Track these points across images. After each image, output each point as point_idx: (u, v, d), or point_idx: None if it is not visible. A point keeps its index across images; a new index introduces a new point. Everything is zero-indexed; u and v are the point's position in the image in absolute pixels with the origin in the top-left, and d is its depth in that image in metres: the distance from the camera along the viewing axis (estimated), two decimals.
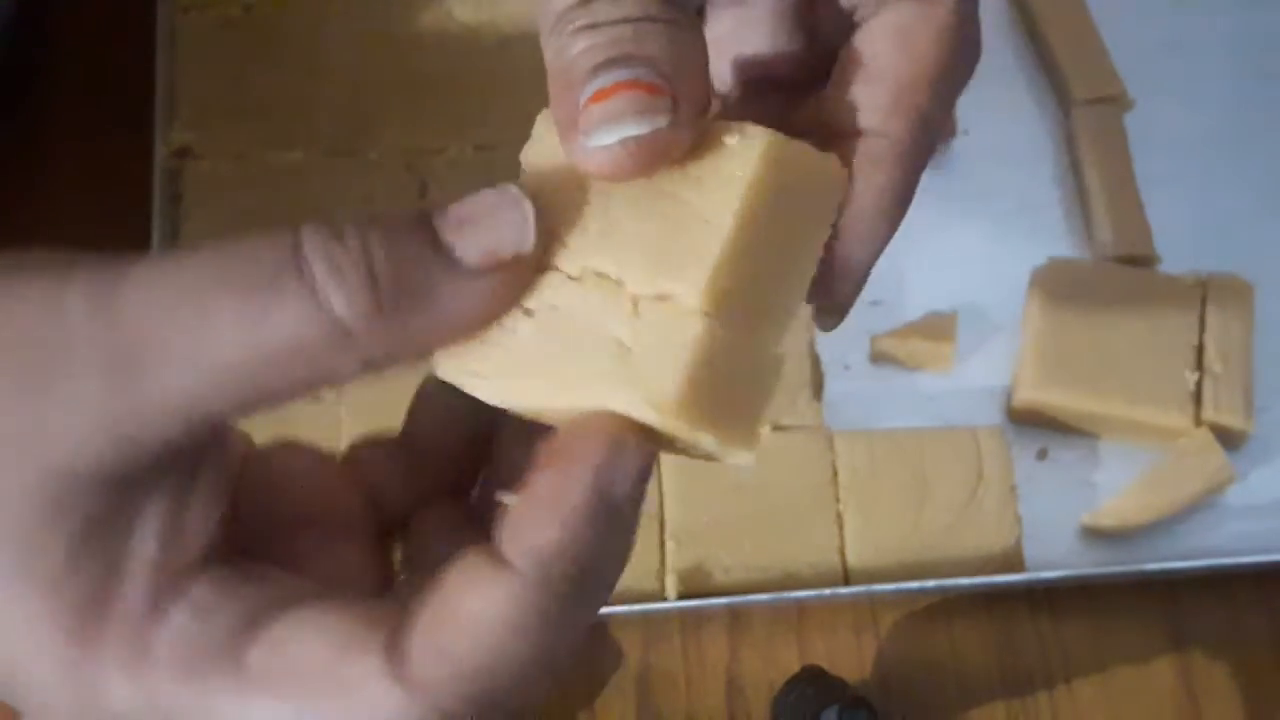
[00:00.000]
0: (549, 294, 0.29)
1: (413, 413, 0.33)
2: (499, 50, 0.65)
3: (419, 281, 0.27)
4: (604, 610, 0.58)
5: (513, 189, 0.28)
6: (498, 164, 0.63)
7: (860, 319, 0.63)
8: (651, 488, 0.58)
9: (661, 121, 0.28)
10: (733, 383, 0.28)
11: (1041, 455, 0.62)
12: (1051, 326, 0.61)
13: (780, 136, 0.29)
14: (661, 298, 0.28)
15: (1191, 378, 0.60)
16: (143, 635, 0.27)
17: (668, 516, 0.58)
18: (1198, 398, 0.60)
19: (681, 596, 0.57)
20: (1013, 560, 0.58)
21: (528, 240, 0.28)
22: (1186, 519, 0.60)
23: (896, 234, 0.68)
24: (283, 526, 0.31)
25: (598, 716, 0.59)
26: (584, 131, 0.28)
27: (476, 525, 0.31)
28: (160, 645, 0.27)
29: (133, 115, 0.66)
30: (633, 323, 0.28)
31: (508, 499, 0.27)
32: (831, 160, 0.30)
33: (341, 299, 0.26)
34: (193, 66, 0.67)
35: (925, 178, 0.72)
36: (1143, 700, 0.58)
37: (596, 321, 0.28)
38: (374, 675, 0.27)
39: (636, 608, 0.57)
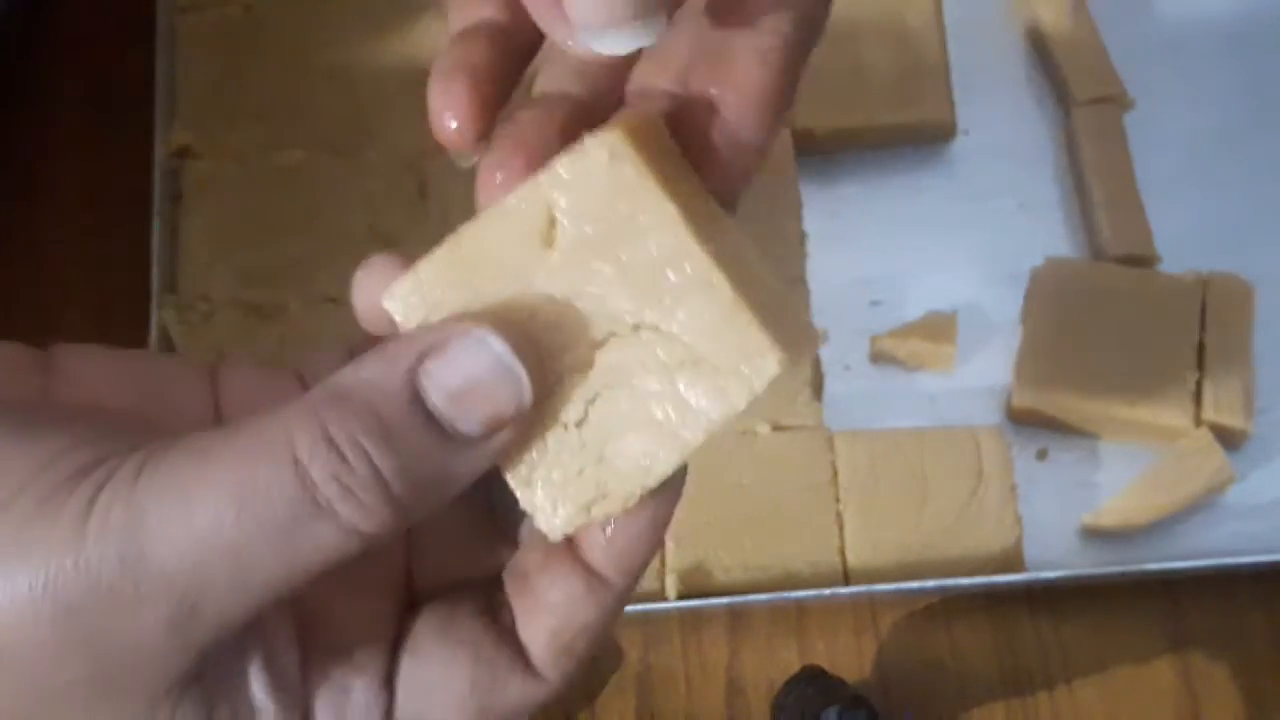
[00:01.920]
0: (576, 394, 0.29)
1: None
2: None
3: (430, 473, 0.28)
4: None
5: (493, 343, 0.28)
6: None
7: (860, 319, 0.63)
8: None
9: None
10: (776, 313, 0.29)
11: (1041, 455, 0.62)
12: (1051, 326, 0.61)
13: (629, 118, 0.29)
14: (669, 314, 0.29)
15: (1191, 378, 0.60)
16: None
17: None
18: (1198, 398, 0.60)
19: (681, 596, 0.57)
20: (1013, 560, 0.58)
21: (525, 397, 0.28)
22: (1186, 519, 0.60)
23: (896, 233, 0.68)
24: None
25: (598, 716, 0.59)
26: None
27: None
28: None
29: (132, 115, 0.66)
30: (673, 348, 0.29)
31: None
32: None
33: (363, 520, 0.27)
34: (193, 66, 0.67)
35: (925, 178, 0.72)
36: (1143, 700, 0.58)
37: (640, 378, 0.29)
38: (516, 682, 0.31)
39: (636, 608, 0.57)
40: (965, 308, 0.63)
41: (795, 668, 0.55)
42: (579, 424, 0.29)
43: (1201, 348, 0.61)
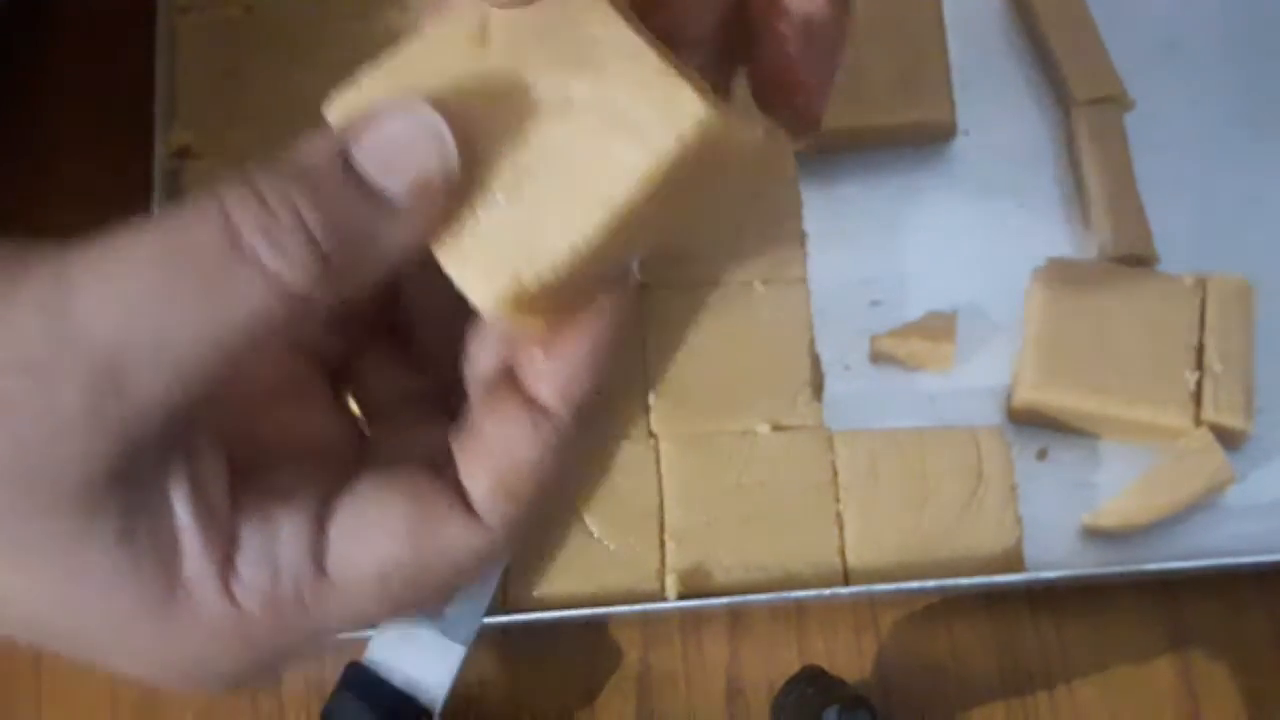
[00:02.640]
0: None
1: None
2: None
3: (358, 231, 0.28)
4: (604, 610, 0.59)
5: (425, 113, 0.29)
6: None
7: (860, 319, 0.63)
8: (652, 488, 0.58)
9: None
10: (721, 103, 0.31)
11: (1041, 455, 0.62)
12: (1051, 326, 0.61)
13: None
14: (599, 85, 0.30)
15: (1191, 378, 0.60)
16: (225, 594, 0.29)
17: (668, 516, 0.58)
18: (1198, 398, 0.60)
19: (681, 596, 0.57)
20: (1013, 560, 0.58)
21: (452, 164, 0.29)
22: (1186, 519, 0.60)
23: (896, 233, 0.68)
24: (251, 415, 0.32)
25: (598, 716, 0.59)
26: None
27: (409, 358, 0.35)
28: (247, 597, 0.29)
29: (132, 115, 0.66)
30: (602, 114, 0.30)
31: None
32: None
33: (289, 270, 0.27)
34: (193, 66, 0.67)
35: (925, 178, 0.72)
36: (1143, 700, 0.58)
37: (570, 147, 0.30)
38: (455, 522, 0.30)
39: (636, 608, 0.57)
40: (965, 308, 0.63)
41: (795, 668, 0.55)
42: (510, 197, 0.30)
43: (1201, 348, 0.61)
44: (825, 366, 0.62)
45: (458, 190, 0.29)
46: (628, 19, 0.30)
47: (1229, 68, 0.68)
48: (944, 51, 0.66)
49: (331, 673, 0.58)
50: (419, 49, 0.31)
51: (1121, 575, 0.59)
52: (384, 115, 0.29)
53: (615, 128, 0.29)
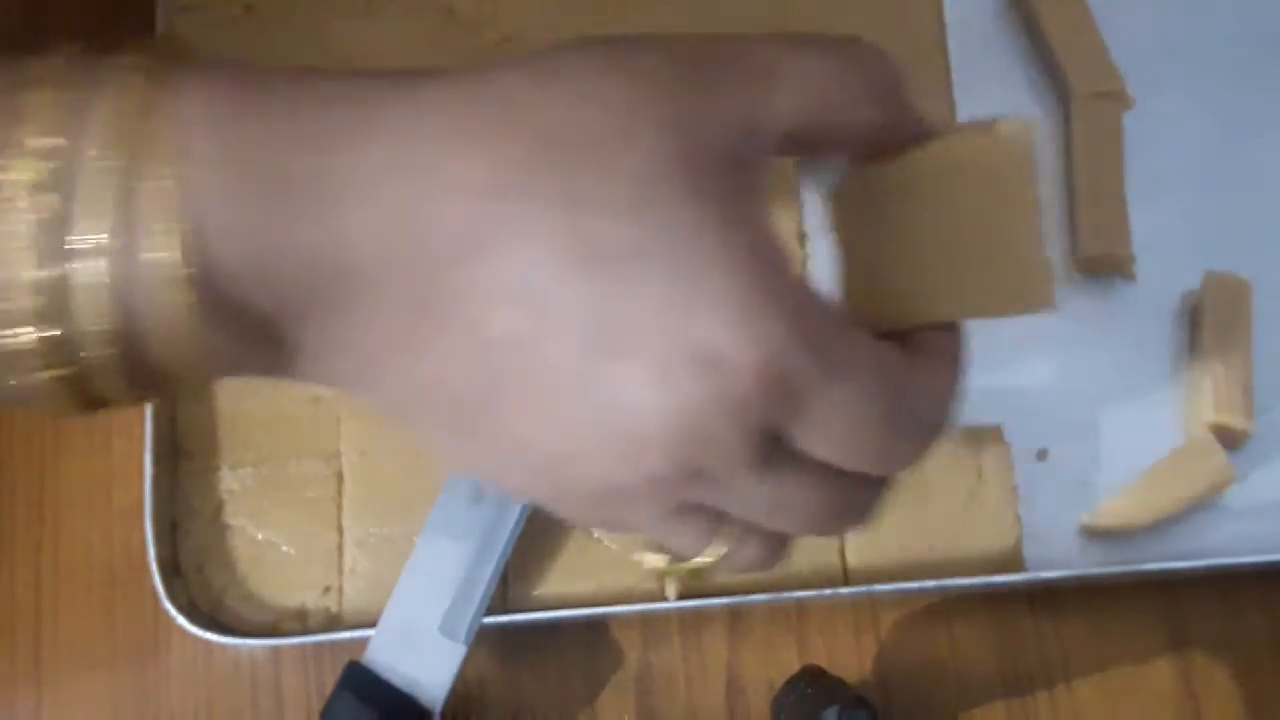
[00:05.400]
0: None
1: None
2: (500, 50, 0.65)
3: None
4: (604, 610, 0.58)
5: None
6: None
7: None
8: None
9: None
10: None
11: (1042, 455, 0.62)
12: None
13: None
14: None
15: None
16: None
17: None
18: (1198, 398, 0.60)
19: (681, 596, 0.57)
20: (1013, 560, 0.58)
21: None
22: (1186, 519, 0.60)
23: None
24: None
25: (598, 716, 0.59)
26: None
27: None
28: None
29: None
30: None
31: None
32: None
33: None
34: None
35: None
36: (1143, 700, 0.58)
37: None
38: None
39: (636, 608, 0.57)
40: None
41: (795, 668, 0.55)
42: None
43: (1201, 348, 0.61)
44: None
45: None
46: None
47: (1229, 68, 0.68)
48: (944, 51, 0.66)
49: (331, 673, 0.58)
50: None
51: (1121, 575, 0.59)
52: None
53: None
